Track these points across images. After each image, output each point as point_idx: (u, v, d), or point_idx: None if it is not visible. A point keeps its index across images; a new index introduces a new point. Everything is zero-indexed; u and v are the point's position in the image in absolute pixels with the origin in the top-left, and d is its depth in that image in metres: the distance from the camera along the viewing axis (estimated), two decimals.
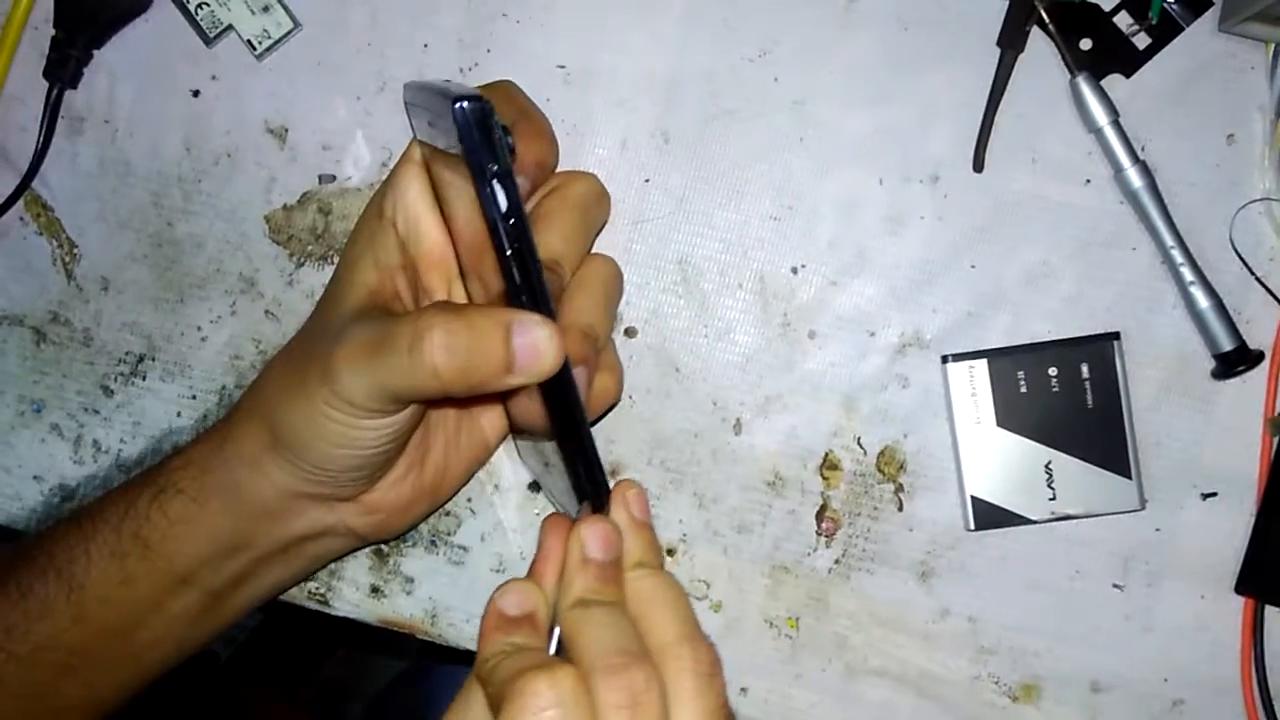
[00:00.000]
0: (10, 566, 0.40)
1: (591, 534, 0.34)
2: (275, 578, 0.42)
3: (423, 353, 0.33)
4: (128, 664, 0.41)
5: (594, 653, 0.31)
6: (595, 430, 0.37)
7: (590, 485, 0.36)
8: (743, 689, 0.47)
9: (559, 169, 0.43)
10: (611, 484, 0.36)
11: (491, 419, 0.44)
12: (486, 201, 0.32)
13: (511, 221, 0.33)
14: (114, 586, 0.39)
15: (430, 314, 0.34)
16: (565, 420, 0.35)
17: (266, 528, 0.40)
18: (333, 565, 0.47)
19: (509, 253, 0.33)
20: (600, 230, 0.45)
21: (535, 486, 0.47)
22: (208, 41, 0.47)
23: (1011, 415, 0.45)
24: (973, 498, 0.45)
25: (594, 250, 0.43)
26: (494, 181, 0.32)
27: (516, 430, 0.44)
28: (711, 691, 0.32)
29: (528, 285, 0.33)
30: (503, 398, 0.42)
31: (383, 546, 0.47)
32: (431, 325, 0.33)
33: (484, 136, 0.32)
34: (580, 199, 0.42)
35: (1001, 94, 0.45)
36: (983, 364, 0.45)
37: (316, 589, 0.48)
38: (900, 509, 0.47)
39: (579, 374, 0.35)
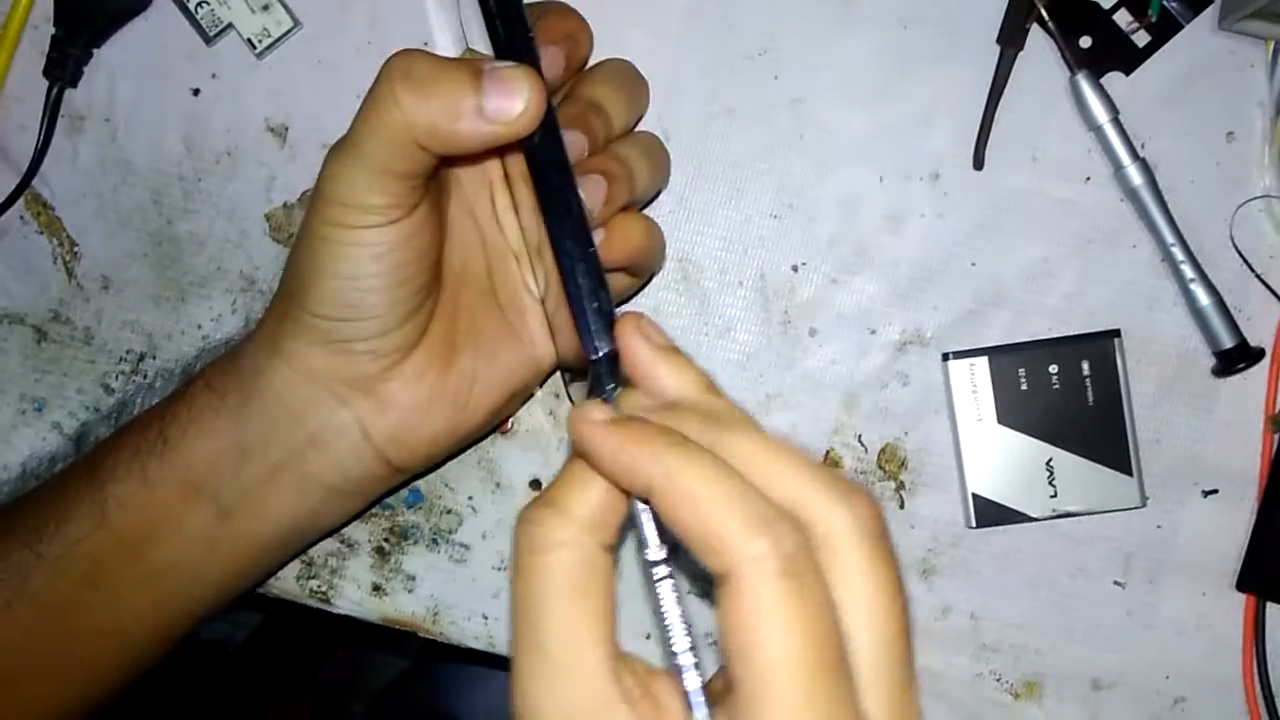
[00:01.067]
0: (58, 471, 0.41)
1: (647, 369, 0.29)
2: (288, 509, 0.39)
3: (381, 83, 0.32)
4: (147, 587, 0.39)
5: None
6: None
7: (596, 320, 0.30)
8: None
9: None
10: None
11: (537, 333, 0.41)
12: None
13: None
14: (134, 488, 0.38)
15: (395, 54, 0.32)
16: (554, 200, 0.31)
17: (280, 424, 0.38)
18: (334, 564, 0.47)
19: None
20: (642, 114, 0.43)
21: (536, 484, 0.47)
22: (208, 40, 0.47)
23: (1012, 412, 0.45)
24: (974, 495, 0.45)
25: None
26: None
27: (566, 366, 0.41)
28: (884, 554, 0.26)
29: (510, 35, 0.31)
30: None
31: (384, 545, 0.47)
32: (394, 57, 0.32)
33: None
34: (620, 69, 0.40)
35: (1001, 92, 0.45)
36: (983, 361, 0.45)
37: (318, 587, 0.48)
38: (901, 506, 0.47)
39: (593, 180, 0.34)
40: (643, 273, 0.43)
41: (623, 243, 0.37)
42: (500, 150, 0.37)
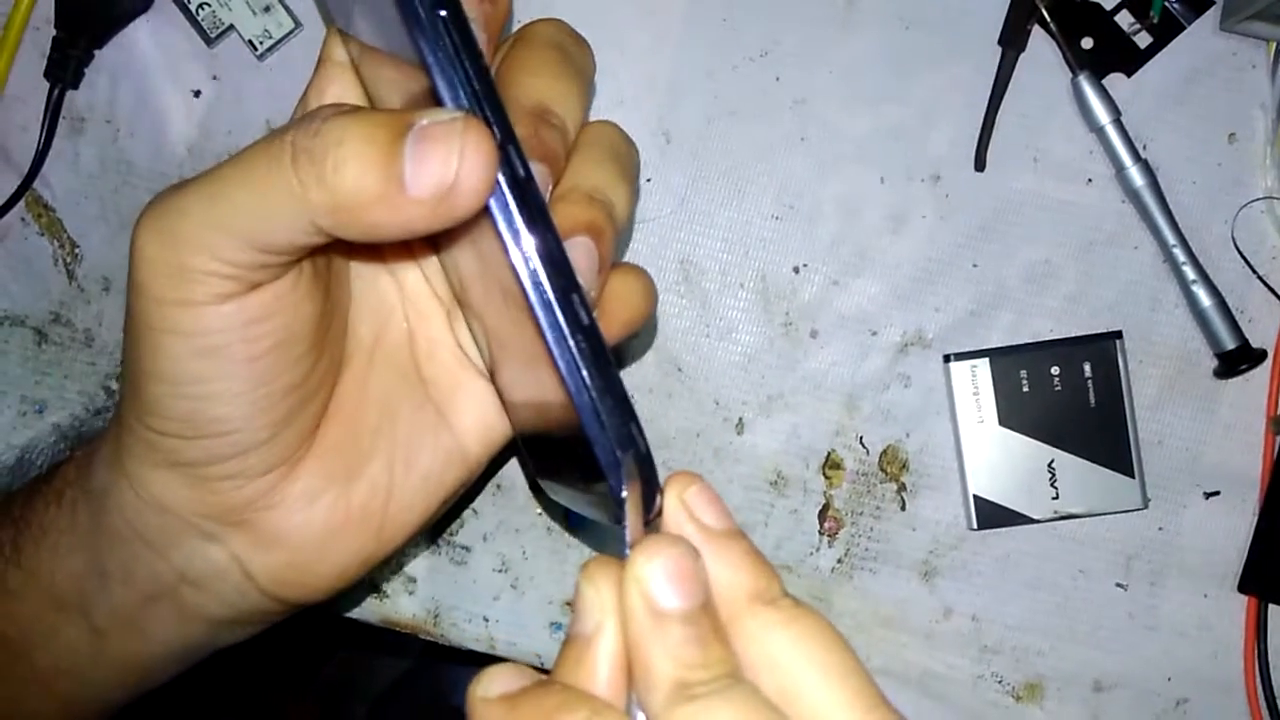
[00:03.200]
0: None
1: (654, 570, 0.21)
2: (170, 636, 0.32)
3: (281, 144, 0.23)
4: (38, 688, 0.33)
5: None
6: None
7: (632, 460, 0.23)
8: None
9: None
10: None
11: (471, 417, 0.31)
12: None
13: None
14: (5, 598, 0.32)
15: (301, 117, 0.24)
16: (556, 330, 0.23)
17: (142, 558, 0.30)
18: None
19: (433, 24, 0.22)
20: (591, 89, 0.32)
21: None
22: (209, 41, 0.47)
23: (1014, 414, 0.45)
24: (975, 497, 0.45)
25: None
26: None
27: (536, 463, 0.31)
28: None
29: (462, 75, 0.22)
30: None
31: None
32: (295, 122, 0.24)
33: None
34: (552, 36, 0.30)
35: (1003, 93, 0.45)
36: (985, 363, 0.45)
37: None
38: (903, 508, 0.47)
39: (581, 249, 0.26)
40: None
41: (626, 315, 0.29)
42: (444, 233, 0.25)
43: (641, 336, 0.47)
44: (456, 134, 0.22)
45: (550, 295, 0.23)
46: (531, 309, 0.23)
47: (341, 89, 0.29)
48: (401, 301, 0.31)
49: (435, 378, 0.31)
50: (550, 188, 0.28)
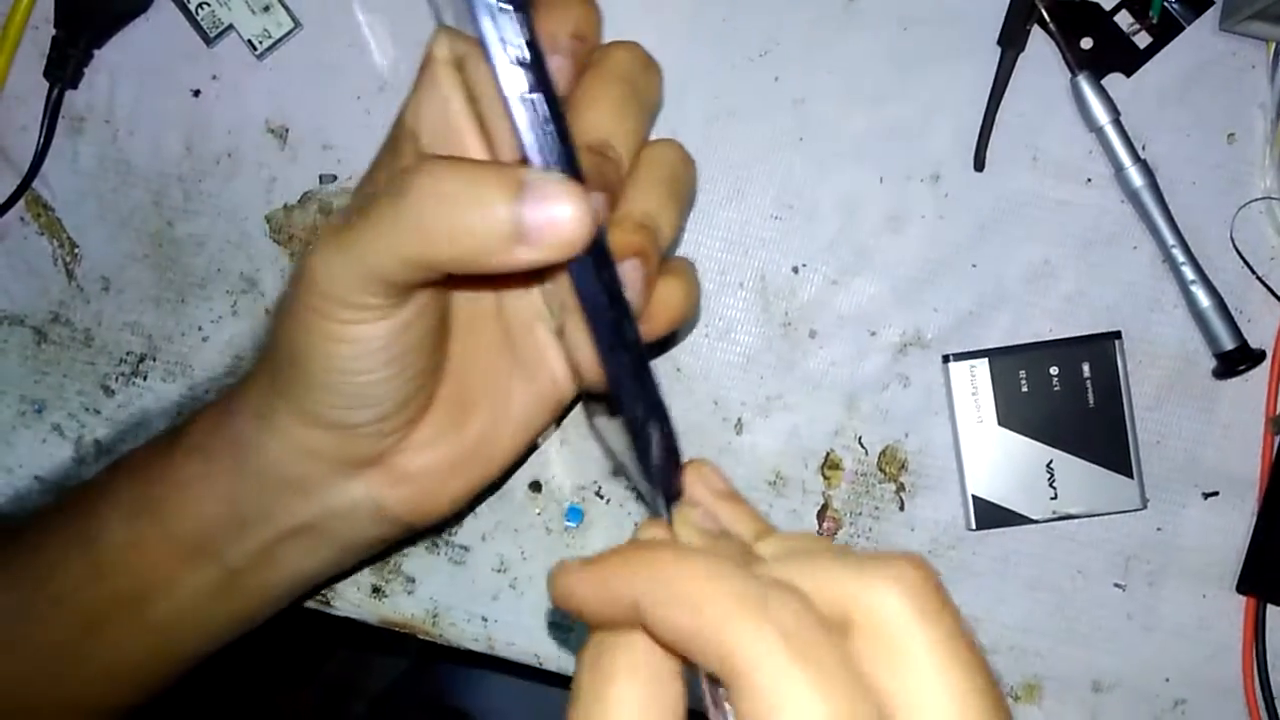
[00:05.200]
0: (37, 518, 0.39)
1: (694, 513, 0.28)
2: (302, 565, 0.37)
3: (407, 201, 0.27)
4: (150, 636, 0.37)
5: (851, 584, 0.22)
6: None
7: (655, 432, 0.28)
8: None
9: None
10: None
11: (549, 372, 0.37)
12: (485, 34, 0.25)
13: (529, 59, 0.25)
14: (125, 549, 0.36)
15: (423, 163, 0.28)
16: (608, 333, 0.28)
17: (282, 499, 0.35)
18: None
19: (523, 97, 0.26)
20: (656, 111, 0.37)
21: (536, 487, 0.47)
22: (208, 41, 0.47)
23: (1013, 414, 0.45)
24: (974, 497, 0.45)
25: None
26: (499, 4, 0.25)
27: (588, 394, 0.36)
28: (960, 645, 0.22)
29: (550, 139, 0.26)
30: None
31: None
32: (419, 170, 0.28)
33: None
34: (624, 69, 0.35)
35: (1002, 93, 0.45)
36: (984, 363, 0.45)
37: (317, 589, 0.47)
38: (901, 508, 0.47)
39: (630, 269, 0.30)
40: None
41: (666, 317, 0.34)
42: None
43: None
44: (566, 194, 0.26)
45: (602, 323, 0.28)
46: (591, 330, 0.28)
47: (448, 89, 0.32)
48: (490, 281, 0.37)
49: (520, 341, 0.37)
50: (606, 213, 0.32)
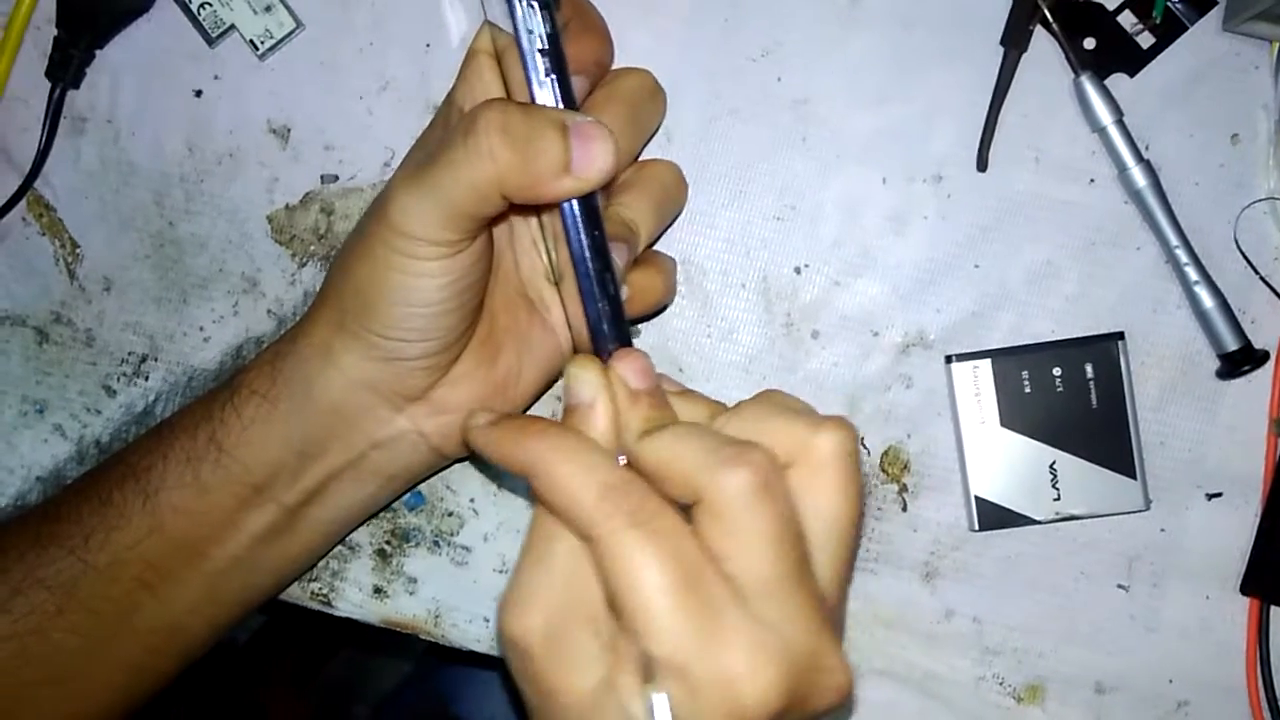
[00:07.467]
0: (92, 477, 0.40)
1: (629, 367, 0.33)
2: (350, 498, 0.41)
3: (478, 136, 0.32)
4: (203, 585, 0.40)
5: (702, 457, 0.30)
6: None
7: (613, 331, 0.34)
8: None
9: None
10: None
11: (559, 321, 0.43)
12: (519, 24, 0.32)
13: (549, 48, 0.32)
14: (188, 495, 0.39)
15: (486, 104, 0.33)
16: (591, 282, 0.34)
17: (337, 431, 0.39)
18: (335, 566, 0.47)
19: (546, 79, 0.32)
20: (654, 132, 0.44)
21: None
22: (210, 41, 0.47)
23: (1016, 415, 0.45)
24: (977, 498, 0.45)
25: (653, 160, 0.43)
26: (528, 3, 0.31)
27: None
28: (848, 472, 0.31)
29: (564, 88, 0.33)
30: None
31: (385, 547, 0.47)
32: (489, 110, 0.32)
33: None
34: (630, 92, 0.41)
35: (1005, 93, 0.45)
36: (987, 364, 0.45)
37: (319, 589, 0.47)
38: (904, 509, 0.46)
39: (615, 247, 0.35)
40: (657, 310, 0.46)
41: (641, 300, 0.41)
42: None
43: (643, 336, 0.47)
44: (603, 135, 0.32)
45: (587, 271, 0.34)
46: (578, 276, 0.34)
47: (488, 75, 0.38)
48: (510, 239, 0.42)
49: (536, 292, 0.42)
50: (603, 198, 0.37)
